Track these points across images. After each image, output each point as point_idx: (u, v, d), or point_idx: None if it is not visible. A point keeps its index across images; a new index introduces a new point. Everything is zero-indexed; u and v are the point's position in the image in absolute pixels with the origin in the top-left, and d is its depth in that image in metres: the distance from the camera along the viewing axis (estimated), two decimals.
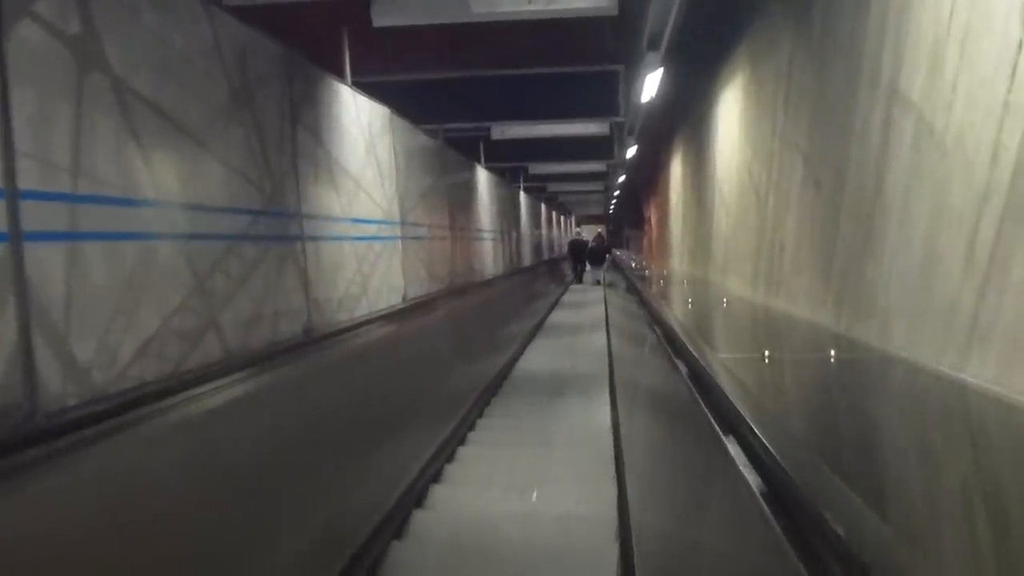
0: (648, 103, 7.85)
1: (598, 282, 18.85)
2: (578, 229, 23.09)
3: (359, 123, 4.84)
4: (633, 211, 26.53)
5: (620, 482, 4.01)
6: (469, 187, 9.05)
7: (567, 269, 21.68)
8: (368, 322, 4.47)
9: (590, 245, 19.79)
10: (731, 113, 6.48)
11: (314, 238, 3.91)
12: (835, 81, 3.71)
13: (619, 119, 9.04)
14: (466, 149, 9.66)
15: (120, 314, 2.26)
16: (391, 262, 5.31)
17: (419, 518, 3.79)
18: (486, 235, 10.00)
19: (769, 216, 5.08)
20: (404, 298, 5.49)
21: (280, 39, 3.69)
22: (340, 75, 4.84)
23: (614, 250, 25.92)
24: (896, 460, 1.71)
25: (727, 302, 5.30)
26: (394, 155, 5.56)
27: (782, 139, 4.73)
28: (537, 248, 18.58)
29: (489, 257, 10.16)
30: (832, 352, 2.80)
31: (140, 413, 2.12)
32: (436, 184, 7.04)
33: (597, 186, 21.87)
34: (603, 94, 8.73)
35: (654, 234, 18.03)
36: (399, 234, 5.55)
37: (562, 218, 31.34)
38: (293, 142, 3.72)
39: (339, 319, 4.18)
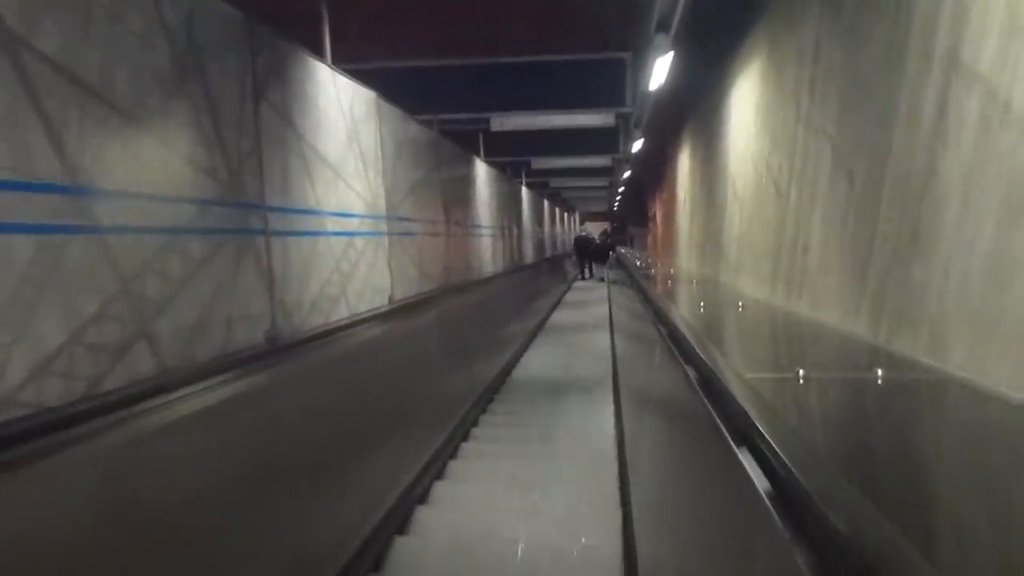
0: (656, 92, 7.39)
1: (602, 279, 18.93)
2: (583, 226, 22.75)
3: (339, 106, 4.39)
4: (638, 208, 26.09)
5: (626, 513, 3.56)
6: (466, 181, 8.60)
7: (570, 267, 21.34)
8: (347, 327, 4.02)
9: (596, 242, 19.87)
10: (746, 101, 6.02)
11: (282, 233, 3.46)
12: (872, 56, 3.25)
13: (625, 110, 8.57)
14: (464, 142, 9.21)
15: (6, 326, 1.82)
16: (376, 260, 4.87)
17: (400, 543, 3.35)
18: (485, 231, 9.55)
19: (791, 211, 4.62)
20: (391, 299, 5.05)
21: (265, 20, 3.25)
22: (322, 55, 4.40)
23: (618, 248, 25.65)
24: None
25: (742, 305, 4.84)
26: (380, 144, 5.11)
27: (807, 126, 4.27)
28: (540, 245, 18.13)
29: (488, 254, 9.71)
30: (879, 372, 2.35)
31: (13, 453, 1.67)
32: (429, 177, 6.59)
33: (601, 182, 21.38)
34: (609, 83, 8.27)
35: (659, 231, 17.55)
36: (386, 230, 5.10)
37: (565, 215, 30.85)
38: (256, 123, 3.28)
39: (312, 324, 3.74)
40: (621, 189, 21.90)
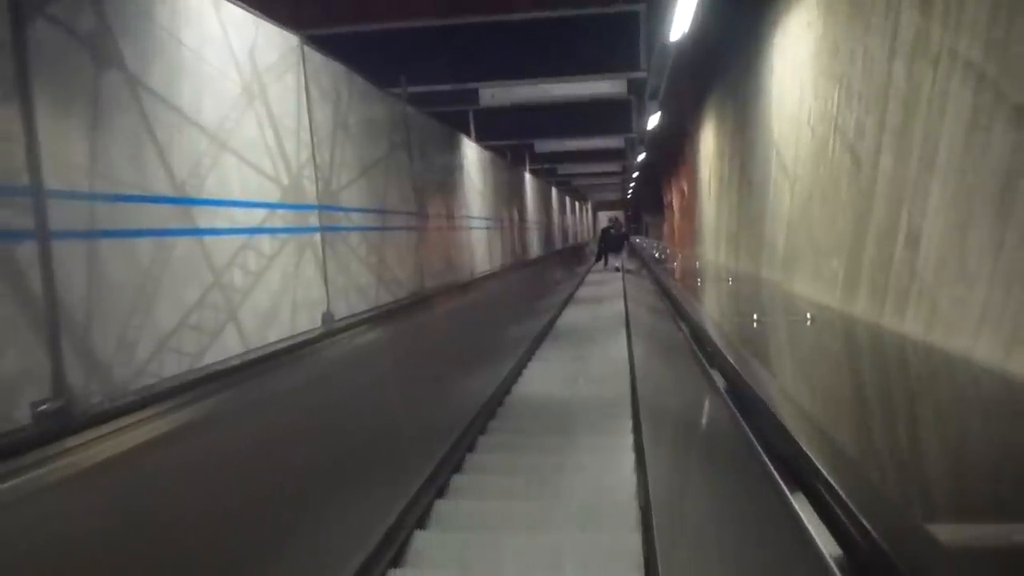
0: (677, 46, 5.98)
1: (617, 268, 18.30)
2: (612, 217, 21.97)
3: (228, 49, 3.03)
4: (652, 195, 24.74)
5: None
6: (451, 164, 7.21)
7: (581, 262, 20.24)
8: (229, 373, 2.66)
9: (611, 232, 19.52)
10: (797, 46, 4.61)
11: (82, 234, 2.11)
12: None
13: (639, 74, 7.15)
14: (453, 124, 7.82)
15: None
16: (300, 266, 3.51)
17: None
18: (478, 224, 8.17)
19: (881, 187, 3.22)
20: (327, 319, 3.69)
21: None
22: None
23: (632, 237, 24.54)
24: None
25: (810, 317, 3.42)
26: (308, 108, 3.74)
27: (918, 55, 2.86)
28: (548, 237, 16.72)
29: (482, 250, 8.32)
30: None
31: None
32: (394, 157, 5.22)
33: (614, 167, 19.92)
34: (619, 43, 6.86)
35: (676, 219, 16.14)
36: (318, 224, 3.74)
37: (576, 204, 29.38)
38: (17, 49, 1.92)
39: (155, 376, 2.38)
40: (635, 175, 20.45)
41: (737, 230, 7.15)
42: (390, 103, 5.27)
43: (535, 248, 13.89)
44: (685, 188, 12.71)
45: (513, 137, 10.82)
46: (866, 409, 2.10)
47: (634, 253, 17.80)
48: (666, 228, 21.25)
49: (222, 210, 2.88)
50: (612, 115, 10.09)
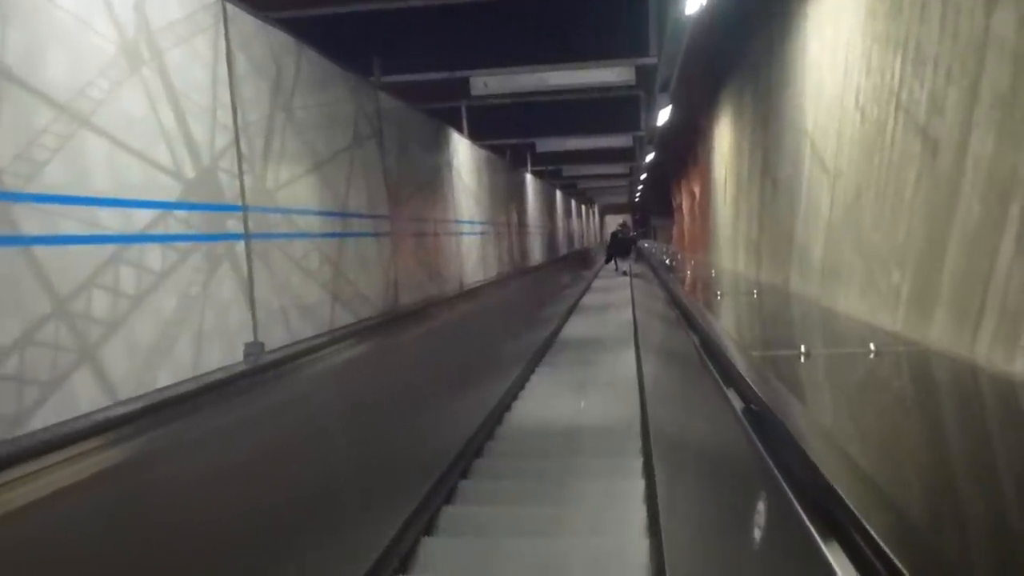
0: (693, 23, 5.18)
1: (624, 273, 18.49)
2: (624, 221, 22.04)
3: None
4: (660, 198, 23.98)
5: None
6: (436, 162, 6.41)
7: (582, 270, 19.73)
8: (63, 443, 1.85)
9: (619, 236, 19.84)
10: (841, 16, 3.80)
11: None
12: None
13: (649, 60, 6.34)
14: (447, 118, 7.02)
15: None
16: (210, 285, 2.71)
17: None
18: (469, 229, 7.37)
19: (972, 175, 2.40)
20: (252, 350, 2.89)
21: None
22: None
23: (640, 241, 23.96)
24: None
25: (875, 351, 2.59)
26: (231, 83, 2.95)
27: None
28: (551, 243, 15.90)
29: (474, 257, 7.52)
30: None
31: None
32: (361, 150, 4.43)
33: (621, 168, 19.10)
34: (626, 21, 6.07)
35: (686, 223, 15.28)
36: (240, 229, 2.94)
37: (583, 207, 28.55)
38: None
39: None
40: (643, 176, 19.61)
41: (759, 235, 6.33)
42: (357, 87, 4.48)
43: (537, 255, 13.06)
44: (696, 190, 11.91)
45: (512, 135, 10.02)
46: None
47: (642, 258, 17.09)
48: (675, 232, 20.64)
49: (75, 210, 2.08)
50: (619, 110, 9.30)
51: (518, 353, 7.97)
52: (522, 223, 11.19)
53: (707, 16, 5.28)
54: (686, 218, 15.29)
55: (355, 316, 3.99)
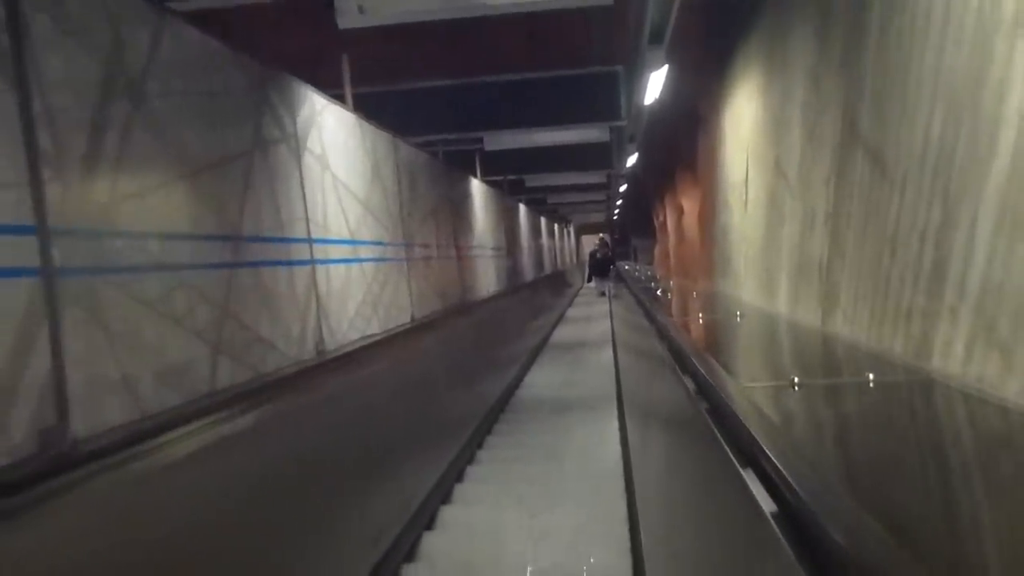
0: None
1: (603, 294, 18.63)
2: (603, 237, 21.57)
3: None
4: (641, 216, 23.08)
5: None
6: (364, 168, 5.73)
7: (554, 300, 18.27)
8: None
9: (597, 256, 19.10)
10: None
11: None
12: None
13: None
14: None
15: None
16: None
17: None
18: (392, 254, 5.71)
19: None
20: (44, 441, 2.09)
21: None
22: None
23: (620, 263, 23.16)
24: None
25: None
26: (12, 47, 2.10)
27: None
28: (512, 269, 12.65)
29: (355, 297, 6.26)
30: None
31: None
32: (270, 155, 4.04)
33: (598, 195, 18.86)
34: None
35: (673, 242, 13.44)
36: (22, 263, 2.43)
37: (555, 226, 25.72)
38: None
39: None
40: (622, 189, 18.50)
41: (830, 254, 3.59)
42: (258, 74, 3.62)
43: (490, 283, 10.05)
44: (687, 203, 10.27)
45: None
46: None
47: (622, 282, 15.54)
48: (658, 252, 19.40)
49: None
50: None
51: (459, 415, 6.43)
52: (464, 245, 8.75)
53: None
54: (671, 237, 13.80)
55: (253, 371, 3.19)
